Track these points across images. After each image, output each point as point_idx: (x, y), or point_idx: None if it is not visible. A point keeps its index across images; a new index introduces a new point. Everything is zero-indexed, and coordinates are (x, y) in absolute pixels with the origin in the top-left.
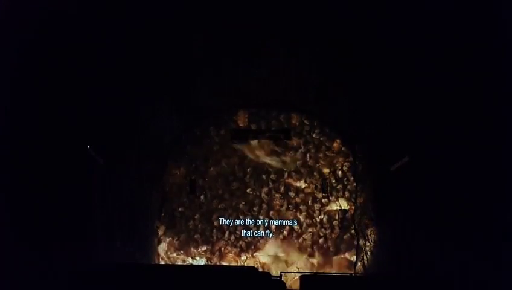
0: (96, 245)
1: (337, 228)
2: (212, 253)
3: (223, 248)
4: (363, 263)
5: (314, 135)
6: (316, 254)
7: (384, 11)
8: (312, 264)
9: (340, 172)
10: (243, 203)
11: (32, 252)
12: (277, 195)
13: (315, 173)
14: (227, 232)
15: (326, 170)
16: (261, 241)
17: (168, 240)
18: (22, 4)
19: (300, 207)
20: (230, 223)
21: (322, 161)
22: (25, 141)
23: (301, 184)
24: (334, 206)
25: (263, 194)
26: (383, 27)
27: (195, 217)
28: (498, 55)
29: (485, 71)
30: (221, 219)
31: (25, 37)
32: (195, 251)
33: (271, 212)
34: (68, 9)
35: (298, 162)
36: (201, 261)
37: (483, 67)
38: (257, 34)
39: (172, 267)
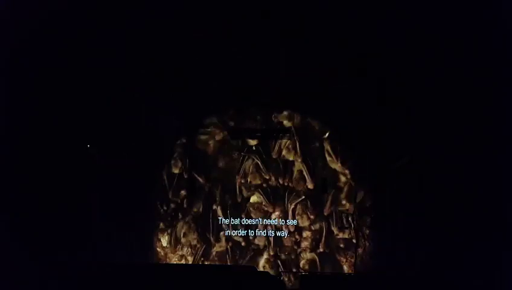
0: (96, 245)
1: (336, 227)
2: (211, 252)
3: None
4: (363, 262)
5: (314, 134)
6: (316, 253)
7: (385, 10)
8: (311, 263)
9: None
10: (242, 202)
11: (31, 253)
12: (277, 194)
13: (315, 173)
14: (226, 231)
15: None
16: (261, 240)
17: (167, 239)
18: (22, 4)
19: (300, 206)
20: (229, 222)
21: (321, 161)
22: (24, 141)
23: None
24: (333, 206)
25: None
26: (383, 27)
27: (195, 215)
28: (498, 55)
29: (485, 71)
30: (220, 218)
31: (24, 36)
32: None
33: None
34: (68, 9)
35: (298, 162)
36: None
37: (484, 67)
38: (257, 33)
39: (171, 267)
